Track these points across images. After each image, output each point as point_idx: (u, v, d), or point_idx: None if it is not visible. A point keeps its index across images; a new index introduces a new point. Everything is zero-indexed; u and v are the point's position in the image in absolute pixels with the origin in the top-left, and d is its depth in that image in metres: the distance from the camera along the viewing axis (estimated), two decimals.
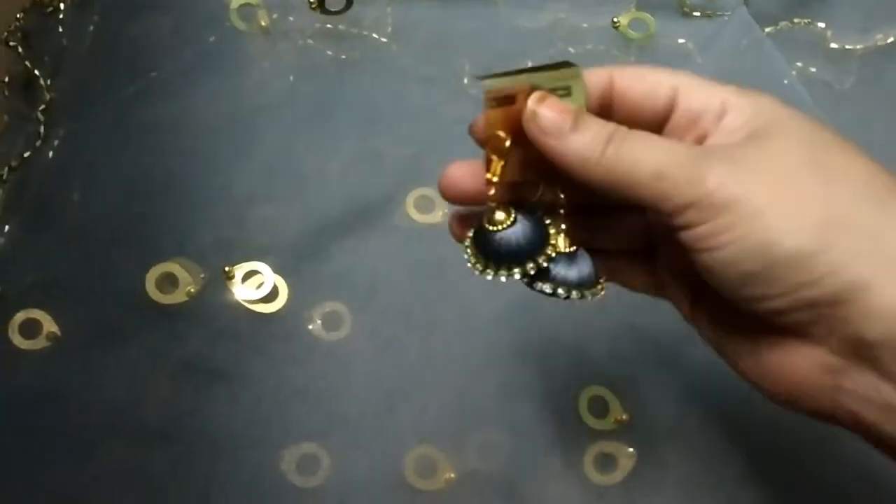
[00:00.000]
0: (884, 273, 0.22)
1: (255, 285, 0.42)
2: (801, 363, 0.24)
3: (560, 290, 0.28)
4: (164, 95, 0.47)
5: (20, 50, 0.47)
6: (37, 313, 0.41)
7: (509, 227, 0.28)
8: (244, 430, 0.40)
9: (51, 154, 0.45)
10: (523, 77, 0.27)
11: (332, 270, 0.43)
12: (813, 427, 0.39)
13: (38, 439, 0.39)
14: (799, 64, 0.49)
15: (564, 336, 0.41)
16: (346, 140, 0.46)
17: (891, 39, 0.49)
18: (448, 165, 0.30)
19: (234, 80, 0.48)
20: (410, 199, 0.45)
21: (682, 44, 0.49)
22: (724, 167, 0.23)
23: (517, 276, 0.28)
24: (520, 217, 0.28)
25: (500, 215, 0.28)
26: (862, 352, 0.23)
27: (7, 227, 0.43)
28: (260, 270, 0.42)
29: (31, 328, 0.41)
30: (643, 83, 0.27)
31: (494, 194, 0.28)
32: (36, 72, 0.47)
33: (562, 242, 0.29)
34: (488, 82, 0.29)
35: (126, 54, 0.48)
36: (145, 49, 0.49)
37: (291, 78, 0.48)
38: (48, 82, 0.47)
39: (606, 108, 0.27)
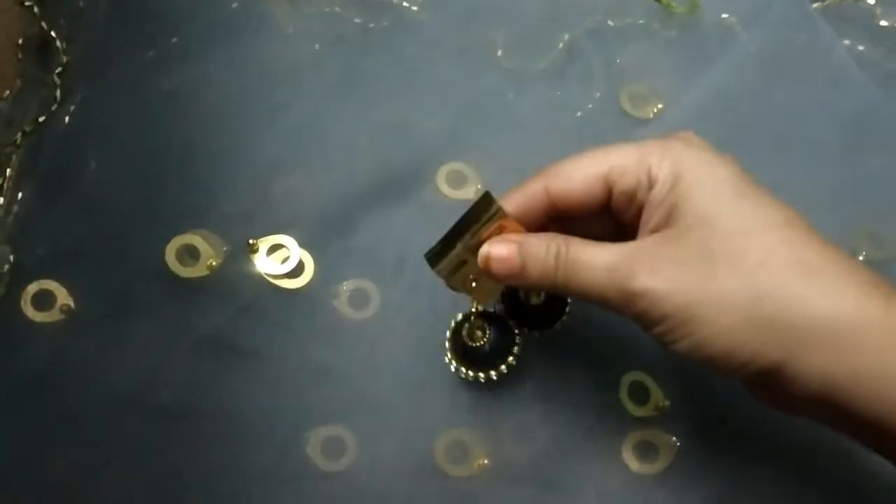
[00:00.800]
0: (792, 351, 0.27)
1: (280, 259, 0.40)
2: (778, 398, 0.29)
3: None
4: (185, 61, 0.45)
5: (35, 10, 0.45)
6: (50, 284, 0.40)
7: (485, 343, 0.36)
8: (266, 410, 0.38)
9: (67, 119, 0.43)
10: (458, 244, 0.33)
11: (360, 246, 0.41)
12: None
13: (51, 416, 0.37)
14: (847, 42, 0.47)
15: (605, 319, 0.39)
16: (374, 111, 0.44)
17: None
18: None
19: (258, 46, 0.46)
20: (442, 174, 0.43)
21: (725, 18, 0.47)
22: (648, 283, 0.28)
23: (493, 377, 0.36)
24: (493, 330, 0.37)
25: (478, 333, 0.37)
26: (804, 400, 0.27)
27: (20, 195, 0.41)
28: (286, 244, 0.40)
29: (44, 300, 0.39)
30: (575, 184, 0.32)
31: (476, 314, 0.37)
32: (52, 33, 0.45)
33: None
34: (439, 267, 0.34)
35: (146, 18, 0.46)
36: (165, 13, 0.46)
37: (317, 46, 0.46)
38: (64, 45, 0.45)
39: (552, 211, 0.32)
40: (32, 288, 0.40)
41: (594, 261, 0.29)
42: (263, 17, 0.47)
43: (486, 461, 0.37)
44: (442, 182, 0.43)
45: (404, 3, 0.47)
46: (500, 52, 0.46)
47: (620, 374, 0.38)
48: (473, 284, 0.34)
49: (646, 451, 0.37)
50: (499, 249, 0.31)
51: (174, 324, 0.39)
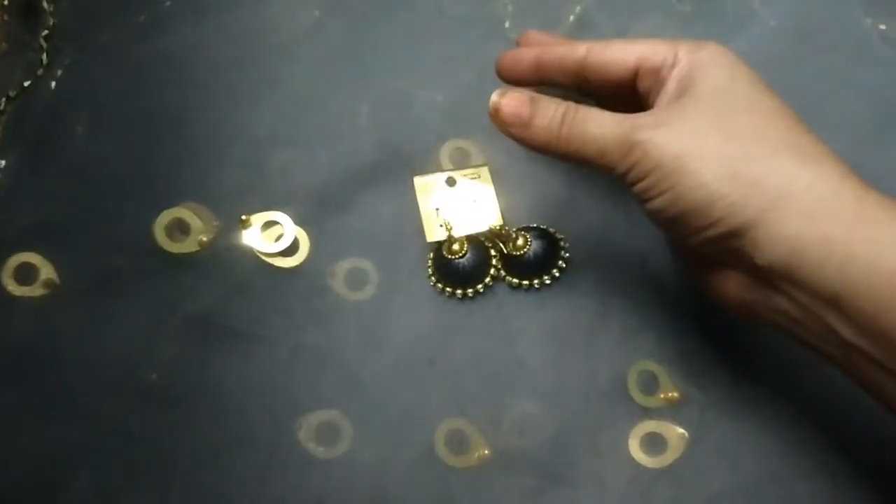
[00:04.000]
0: (767, 213, 0.28)
1: (273, 237, 0.38)
2: (730, 284, 0.31)
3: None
4: (179, 25, 0.43)
5: None
6: (33, 257, 0.38)
7: (462, 256, 0.37)
8: (258, 393, 0.37)
9: (53, 84, 0.41)
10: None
11: (358, 224, 0.39)
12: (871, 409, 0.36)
13: (33, 395, 0.36)
14: (868, 20, 0.45)
15: (615, 307, 0.38)
16: (376, 83, 0.42)
17: None
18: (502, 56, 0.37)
19: (255, 11, 0.44)
20: (445, 151, 0.41)
21: None
22: (649, 135, 0.30)
23: (470, 294, 0.38)
24: (470, 248, 0.38)
25: (456, 246, 0.38)
26: (759, 274, 0.29)
27: (4, 163, 0.40)
28: (280, 221, 0.38)
29: (26, 273, 0.38)
30: (611, 54, 0.34)
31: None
32: None
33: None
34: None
35: None
36: None
37: (317, 12, 0.44)
38: (51, 7, 0.43)
39: (582, 82, 0.35)
40: (14, 260, 0.38)
41: (601, 117, 0.31)
42: None
43: (487, 451, 0.36)
44: (445, 159, 0.41)
45: None
46: (507, 24, 0.44)
47: (629, 363, 0.37)
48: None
49: (653, 443, 0.36)
50: (511, 96, 0.32)
51: (162, 302, 0.38)
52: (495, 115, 0.33)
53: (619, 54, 0.34)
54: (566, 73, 0.35)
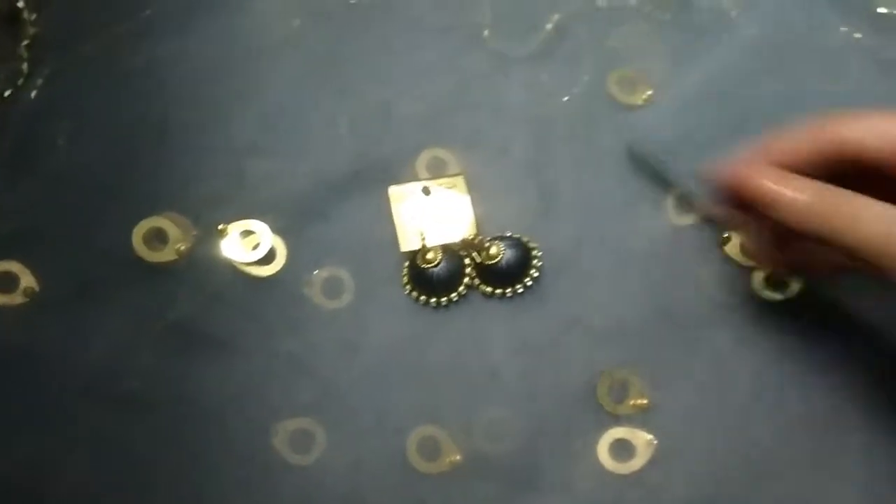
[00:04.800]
0: None
1: (250, 246, 0.39)
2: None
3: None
4: (160, 35, 0.43)
5: None
6: (13, 266, 0.39)
7: (437, 265, 0.38)
8: (234, 401, 0.37)
9: (34, 94, 0.42)
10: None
11: (336, 233, 0.40)
12: (847, 415, 0.36)
13: (12, 401, 0.36)
14: (843, 29, 0.46)
15: (586, 315, 0.38)
16: (355, 93, 0.43)
17: None
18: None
19: (236, 20, 0.44)
20: (422, 160, 0.41)
21: (722, 2, 0.45)
22: None
23: (444, 303, 0.38)
24: (444, 257, 0.38)
25: (430, 255, 0.38)
26: None
27: None
28: (256, 230, 0.39)
29: (6, 282, 0.38)
30: (872, 133, 0.29)
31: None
32: (19, 4, 0.43)
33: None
34: None
35: None
36: None
37: (297, 22, 0.44)
38: (33, 16, 0.43)
39: (835, 164, 0.30)
40: None
41: (885, 213, 0.27)
42: None
43: (458, 457, 0.36)
44: (422, 168, 0.41)
45: None
46: (486, 33, 0.44)
47: (599, 371, 0.37)
48: None
49: (622, 449, 0.36)
50: (788, 186, 0.29)
51: (141, 310, 0.38)
52: (769, 202, 0.29)
53: (881, 130, 0.29)
54: (825, 165, 0.30)
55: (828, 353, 0.37)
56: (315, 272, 0.39)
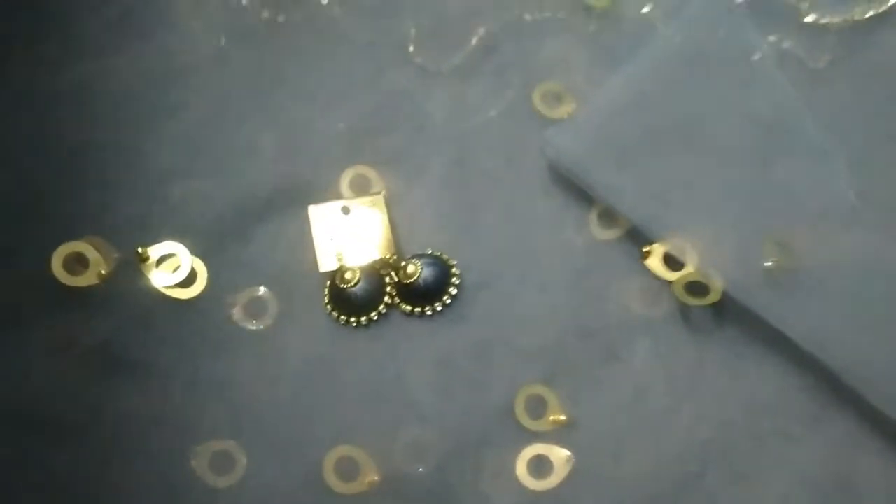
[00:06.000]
0: None
1: (171, 268, 0.39)
2: None
3: None
4: (82, 57, 0.43)
5: None
6: None
7: (355, 285, 0.38)
8: (155, 425, 0.37)
9: None
10: None
11: (258, 254, 0.40)
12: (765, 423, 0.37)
13: None
14: (772, 38, 0.46)
15: (505, 333, 0.39)
16: (280, 111, 0.43)
17: (870, 14, 0.45)
18: None
19: (159, 41, 0.44)
20: (346, 179, 0.41)
21: (646, 13, 0.45)
22: None
23: (364, 322, 0.38)
24: (363, 277, 0.38)
25: (348, 275, 0.38)
26: None
27: None
28: (176, 252, 0.39)
29: None
30: None
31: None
32: None
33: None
34: None
35: (41, 11, 0.45)
36: (63, 5, 0.45)
37: (222, 41, 0.44)
38: None
39: None
40: None
41: None
42: (166, 9, 0.45)
43: (376, 478, 0.36)
44: (345, 187, 0.41)
45: None
46: (411, 48, 0.44)
47: (517, 388, 0.37)
48: None
49: (540, 465, 0.36)
50: None
51: (60, 335, 0.38)
52: None
53: None
54: None
55: (746, 361, 0.38)
56: (237, 294, 0.39)
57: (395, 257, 0.39)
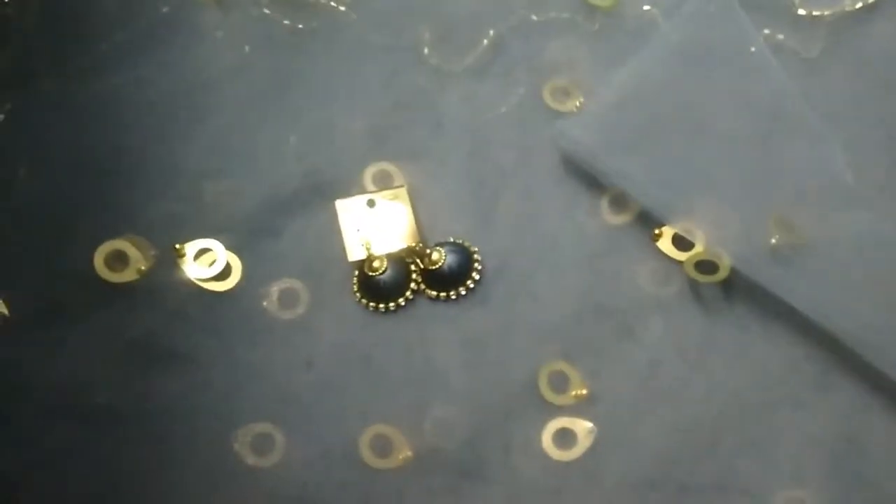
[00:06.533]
0: None
1: (207, 263, 0.41)
2: None
3: None
4: (114, 68, 0.46)
5: None
6: None
7: (383, 273, 0.40)
8: (197, 410, 0.39)
9: None
10: None
11: (289, 247, 0.42)
12: (775, 392, 0.39)
13: None
14: (766, 31, 0.48)
15: (525, 313, 0.41)
16: (303, 112, 0.45)
17: (859, 5, 0.48)
18: None
19: (187, 51, 0.46)
20: (368, 174, 0.44)
21: (647, 10, 0.48)
22: None
23: (392, 308, 0.40)
24: (390, 265, 0.40)
25: (376, 263, 0.40)
26: None
27: None
28: (212, 248, 0.41)
29: None
30: None
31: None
32: None
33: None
34: None
35: (74, 26, 0.47)
36: (95, 20, 0.47)
37: (247, 48, 0.47)
38: None
39: None
40: None
41: None
42: (193, 22, 0.47)
43: (409, 453, 0.38)
44: (368, 182, 0.44)
45: (332, 3, 0.48)
46: (426, 50, 0.47)
47: (540, 364, 0.39)
48: None
49: (564, 437, 0.38)
50: None
51: (105, 329, 0.40)
52: None
53: None
54: None
55: (754, 334, 0.40)
56: (270, 285, 0.41)
57: (420, 245, 0.41)
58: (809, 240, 0.40)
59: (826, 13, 0.47)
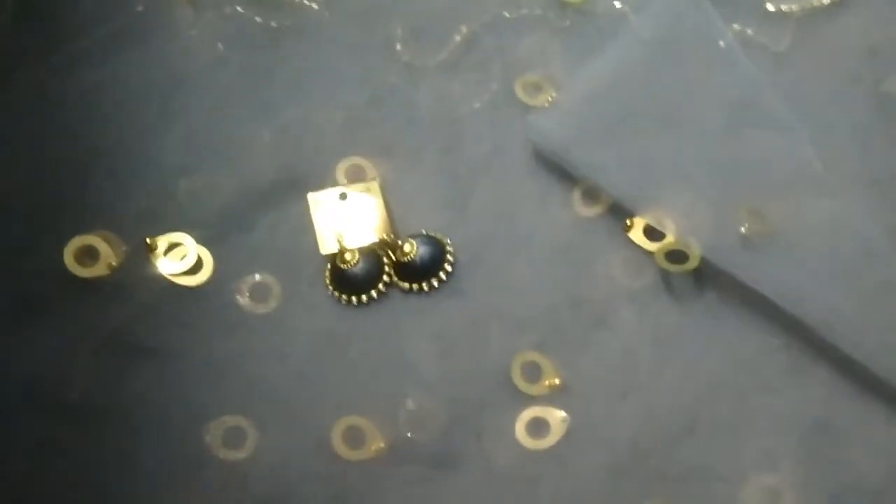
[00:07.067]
0: None
1: (178, 257, 0.41)
2: None
3: None
4: (89, 65, 0.46)
5: None
6: None
7: (355, 265, 0.40)
8: (169, 405, 0.39)
9: None
10: None
11: (260, 241, 0.42)
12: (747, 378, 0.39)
13: None
14: (736, 26, 0.49)
15: (498, 305, 0.41)
16: (276, 109, 0.45)
17: (827, 1, 0.48)
18: None
19: (161, 48, 0.46)
20: (341, 168, 0.44)
21: (617, 7, 0.48)
22: None
23: (364, 300, 0.40)
24: (362, 257, 0.40)
25: (348, 256, 0.41)
26: None
27: None
28: (182, 242, 0.41)
29: None
30: None
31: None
32: None
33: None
34: None
35: (51, 23, 0.47)
36: (71, 18, 0.47)
37: (220, 46, 0.47)
38: None
39: None
40: None
41: None
42: (167, 19, 0.47)
43: (382, 444, 0.38)
44: (341, 176, 0.44)
45: (305, 2, 0.48)
46: (398, 47, 0.47)
47: (513, 355, 0.39)
48: None
49: (538, 427, 0.38)
50: None
51: (76, 324, 0.40)
52: None
53: None
54: None
55: (725, 322, 0.40)
56: (242, 279, 0.41)
57: (392, 237, 0.41)
58: (778, 228, 0.40)
59: (794, 8, 0.48)
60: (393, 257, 0.41)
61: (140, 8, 0.48)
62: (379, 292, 0.41)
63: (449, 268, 0.41)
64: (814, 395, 0.38)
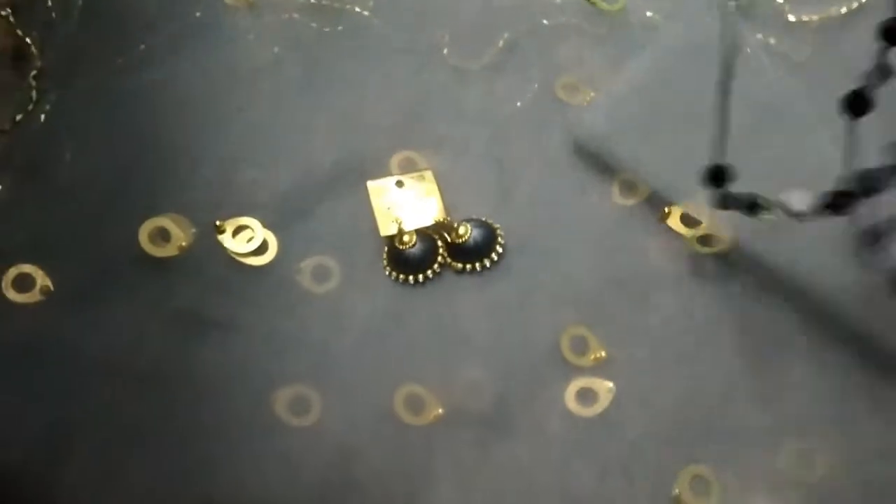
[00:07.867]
0: None
1: (245, 239, 0.43)
2: None
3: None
4: (151, 65, 0.49)
5: (11, 20, 0.48)
6: (29, 268, 0.42)
7: (412, 247, 0.43)
8: (235, 374, 0.41)
9: (42, 118, 0.46)
10: None
11: (321, 226, 0.45)
12: (783, 352, 0.41)
13: (34, 381, 0.40)
14: (759, 36, 0.52)
15: (546, 283, 0.43)
16: (330, 108, 0.48)
17: (844, 10, 0.52)
18: None
19: (220, 51, 0.50)
20: (395, 161, 0.47)
21: (650, 16, 0.51)
22: None
23: (420, 280, 0.43)
24: (419, 239, 0.43)
25: (406, 237, 0.43)
26: None
27: (0, 187, 0.44)
28: (250, 225, 0.44)
29: (24, 283, 0.42)
30: None
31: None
32: (27, 41, 0.48)
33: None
34: None
35: (114, 27, 0.50)
36: (134, 22, 0.50)
37: (276, 49, 0.50)
38: (39, 52, 0.48)
39: None
40: (13, 272, 0.42)
41: None
42: (225, 24, 0.51)
43: (440, 411, 0.40)
44: (395, 168, 0.46)
45: (356, 8, 0.51)
46: (445, 51, 0.50)
47: (561, 330, 0.42)
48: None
49: (585, 396, 0.41)
50: None
51: (148, 300, 0.42)
52: None
53: None
54: None
55: (756, 301, 0.43)
56: (304, 261, 0.44)
57: (447, 220, 0.43)
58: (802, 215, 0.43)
59: (814, 18, 0.52)
60: (448, 239, 0.43)
61: (198, 14, 0.51)
62: (434, 272, 0.43)
63: (500, 249, 0.43)
64: (834, 369, 0.41)
